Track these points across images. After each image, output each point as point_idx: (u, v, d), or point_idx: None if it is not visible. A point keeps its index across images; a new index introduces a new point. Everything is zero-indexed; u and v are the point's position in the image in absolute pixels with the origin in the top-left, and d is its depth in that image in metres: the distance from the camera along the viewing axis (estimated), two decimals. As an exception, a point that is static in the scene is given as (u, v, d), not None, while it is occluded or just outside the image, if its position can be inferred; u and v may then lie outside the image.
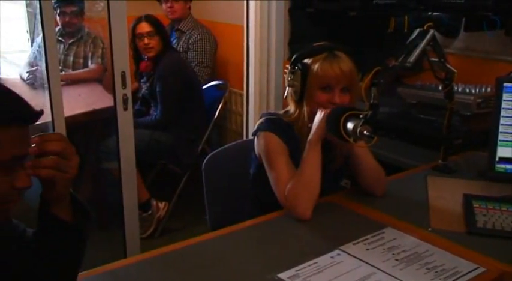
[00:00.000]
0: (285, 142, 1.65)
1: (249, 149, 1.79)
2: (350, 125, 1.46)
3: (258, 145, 1.71)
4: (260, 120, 1.73)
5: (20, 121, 0.96)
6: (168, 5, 3.69)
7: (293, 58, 1.66)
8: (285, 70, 1.69)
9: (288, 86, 1.67)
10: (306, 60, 1.63)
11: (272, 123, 1.68)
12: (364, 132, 1.42)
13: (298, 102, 1.66)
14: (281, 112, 1.77)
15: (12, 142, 0.94)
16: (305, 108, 1.65)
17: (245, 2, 2.86)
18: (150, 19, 3.15)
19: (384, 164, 1.74)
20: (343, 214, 1.64)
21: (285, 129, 1.67)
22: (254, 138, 1.73)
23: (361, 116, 1.45)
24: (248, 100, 3.02)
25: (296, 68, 1.63)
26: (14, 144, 0.95)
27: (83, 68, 3.59)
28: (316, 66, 1.61)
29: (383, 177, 1.73)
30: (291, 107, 1.71)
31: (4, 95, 0.97)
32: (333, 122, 1.50)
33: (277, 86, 2.93)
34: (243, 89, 3.17)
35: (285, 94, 1.72)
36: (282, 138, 1.64)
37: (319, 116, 1.59)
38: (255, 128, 1.72)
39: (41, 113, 1.00)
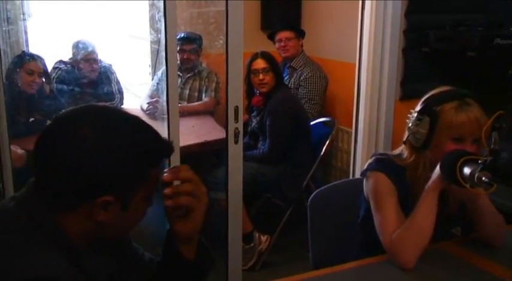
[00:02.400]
0: (395, 184, 1.60)
1: (357, 188, 1.76)
2: (467, 170, 1.40)
3: (366, 186, 1.68)
4: (370, 160, 1.70)
5: (166, 157, 1.08)
6: (282, 44, 3.80)
7: (423, 106, 1.59)
8: (409, 115, 1.62)
9: (412, 132, 1.59)
10: (434, 108, 1.56)
11: (382, 164, 1.65)
12: (483, 178, 1.35)
13: (420, 150, 1.59)
14: (393, 153, 1.72)
15: (157, 176, 1.05)
16: (428, 156, 1.59)
17: (358, 40, 2.87)
18: (265, 56, 3.24)
19: (500, 213, 1.63)
20: (454, 264, 1.55)
21: (396, 171, 1.63)
22: (363, 179, 1.71)
23: (480, 161, 1.38)
24: (356, 138, 2.99)
25: (425, 115, 1.57)
26: (157, 179, 1.05)
27: (197, 100, 3.78)
28: (449, 116, 1.53)
29: (504, 227, 1.63)
30: (406, 152, 1.66)
31: (156, 134, 1.06)
32: (449, 166, 1.44)
33: (387, 126, 2.87)
34: (350, 127, 3.15)
35: (404, 138, 1.66)
36: (391, 180, 1.60)
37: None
38: (364, 168, 1.70)
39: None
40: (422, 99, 1.62)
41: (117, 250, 1.12)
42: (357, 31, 2.90)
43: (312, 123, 3.52)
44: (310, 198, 1.94)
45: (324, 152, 3.37)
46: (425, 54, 2.82)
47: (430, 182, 1.54)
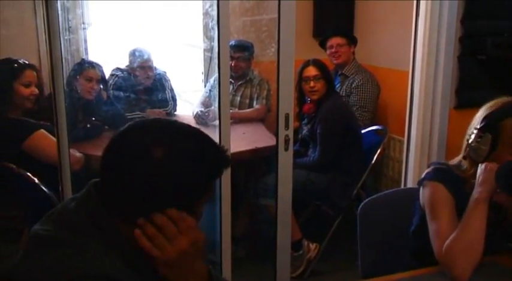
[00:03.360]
0: (453, 194, 1.57)
1: (410, 197, 1.74)
2: (524, 181, 1.36)
3: (422, 195, 1.66)
4: (428, 169, 1.68)
5: (226, 168, 1.11)
6: (333, 50, 3.78)
7: (484, 122, 1.55)
8: (468, 131, 1.60)
9: (474, 150, 1.56)
10: (496, 124, 1.53)
11: (441, 173, 1.63)
12: (541, 190, 1.31)
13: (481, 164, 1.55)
14: (452, 163, 1.69)
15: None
16: None
17: (412, 48, 2.82)
18: (317, 63, 3.24)
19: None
20: (510, 277, 1.50)
21: (455, 182, 1.60)
22: (419, 187, 1.69)
23: (538, 172, 1.34)
24: (409, 147, 2.94)
25: (486, 132, 1.53)
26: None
27: (248, 107, 3.81)
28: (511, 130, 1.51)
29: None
30: (466, 164, 1.63)
31: (217, 146, 1.10)
32: (505, 177, 1.40)
33: (441, 135, 2.81)
34: (402, 136, 3.09)
35: (462, 153, 1.64)
36: (449, 190, 1.58)
37: (481, 170, 1.49)
38: (422, 177, 1.68)
39: None
40: (482, 114, 1.59)
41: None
42: (410, 39, 2.86)
43: (363, 131, 3.48)
44: (360, 207, 1.93)
45: (375, 161, 3.33)
46: (482, 62, 2.75)
47: (477, 193, 1.50)
